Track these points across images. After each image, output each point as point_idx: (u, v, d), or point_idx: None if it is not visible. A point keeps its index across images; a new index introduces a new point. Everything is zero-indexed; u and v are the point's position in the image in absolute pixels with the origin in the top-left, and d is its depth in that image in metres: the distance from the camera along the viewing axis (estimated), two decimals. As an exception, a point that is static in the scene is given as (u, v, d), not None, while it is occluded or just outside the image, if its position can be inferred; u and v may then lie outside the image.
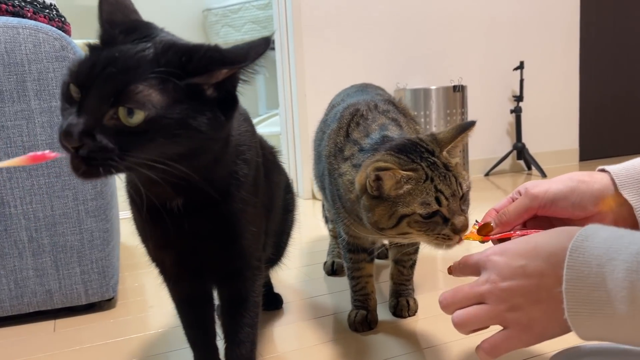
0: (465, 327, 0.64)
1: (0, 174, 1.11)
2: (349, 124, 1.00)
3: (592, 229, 0.56)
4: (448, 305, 0.66)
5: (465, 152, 2.58)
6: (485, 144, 2.93)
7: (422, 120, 2.49)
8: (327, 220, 1.49)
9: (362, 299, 1.09)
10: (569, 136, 3.21)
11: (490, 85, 2.93)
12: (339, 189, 0.97)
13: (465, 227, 0.81)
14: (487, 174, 2.92)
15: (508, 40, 2.94)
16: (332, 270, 1.41)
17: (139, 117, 0.54)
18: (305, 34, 2.47)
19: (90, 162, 0.54)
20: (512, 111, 2.88)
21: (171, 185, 0.63)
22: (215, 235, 0.73)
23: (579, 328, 0.55)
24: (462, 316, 0.64)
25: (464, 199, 0.83)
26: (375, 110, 1.02)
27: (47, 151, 0.58)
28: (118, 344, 1.07)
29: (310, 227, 1.98)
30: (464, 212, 0.82)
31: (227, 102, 0.61)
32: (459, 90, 2.52)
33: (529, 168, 3.03)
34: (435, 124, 2.51)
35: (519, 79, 2.84)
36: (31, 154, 0.56)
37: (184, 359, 0.85)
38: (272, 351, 1.00)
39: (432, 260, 1.49)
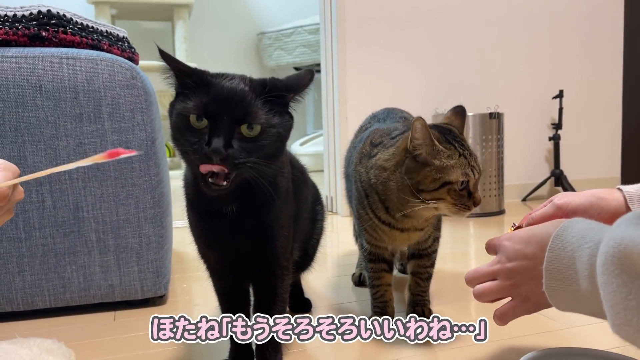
0: (482, 297, 0.83)
1: (77, 184, 1.31)
2: (372, 137, 1.16)
3: (573, 221, 0.70)
4: (471, 280, 0.86)
5: (500, 176, 2.65)
6: (522, 170, 2.99)
7: (459, 145, 2.58)
8: (357, 238, 1.62)
9: (381, 305, 1.21)
10: (611, 164, 3.21)
11: (528, 113, 2.99)
12: (370, 179, 1.09)
13: (480, 201, 0.99)
14: (524, 199, 2.97)
15: (547, 68, 3.00)
16: (359, 281, 1.53)
17: (257, 129, 0.76)
18: (349, 60, 2.64)
19: (236, 166, 0.75)
20: (550, 138, 2.93)
21: (242, 188, 0.81)
22: (254, 237, 0.89)
23: (554, 299, 0.70)
24: (480, 289, 0.83)
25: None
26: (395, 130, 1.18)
27: (120, 148, 0.68)
28: (167, 333, 1.24)
29: (345, 243, 2.11)
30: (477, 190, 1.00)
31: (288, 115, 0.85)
32: (495, 117, 2.60)
33: (568, 195, 3.04)
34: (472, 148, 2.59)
35: (557, 107, 2.89)
36: (108, 151, 0.67)
37: (221, 345, 1.00)
38: (297, 346, 1.13)
39: (447, 276, 1.59)
